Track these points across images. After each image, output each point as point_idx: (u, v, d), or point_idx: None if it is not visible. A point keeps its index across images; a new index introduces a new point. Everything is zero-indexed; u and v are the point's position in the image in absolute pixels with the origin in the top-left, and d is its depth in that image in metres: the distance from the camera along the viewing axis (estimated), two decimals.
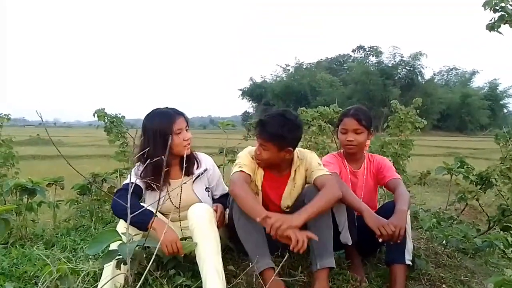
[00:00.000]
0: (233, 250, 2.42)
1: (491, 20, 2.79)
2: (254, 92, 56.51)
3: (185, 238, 2.23)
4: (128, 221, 1.71)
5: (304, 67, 56.88)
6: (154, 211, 1.95)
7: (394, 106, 4.32)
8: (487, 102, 48.88)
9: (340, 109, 4.79)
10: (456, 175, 3.18)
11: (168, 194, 2.27)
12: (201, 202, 2.28)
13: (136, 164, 2.26)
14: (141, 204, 2.12)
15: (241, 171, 2.18)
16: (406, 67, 47.16)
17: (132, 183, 2.12)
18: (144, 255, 2.28)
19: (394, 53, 47.42)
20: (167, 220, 2.29)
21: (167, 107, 2.28)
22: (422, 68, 47.23)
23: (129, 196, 1.72)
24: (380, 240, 1.96)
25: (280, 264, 1.93)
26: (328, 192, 2.03)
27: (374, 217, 2.01)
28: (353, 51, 58.61)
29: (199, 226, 2.02)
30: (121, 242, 1.71)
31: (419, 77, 47.54)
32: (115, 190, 3.74)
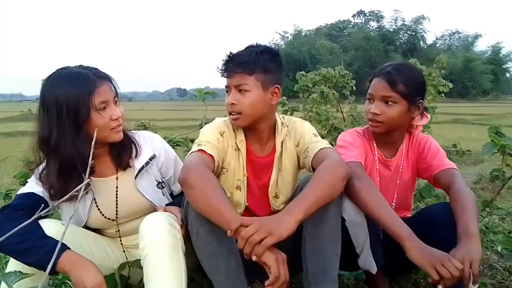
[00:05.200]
0: (199, 283, 1.66)
1: None
2: None
3: (128, 264, 1.50)
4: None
5: (303, 34, 56.00)
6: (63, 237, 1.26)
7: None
8: (490, 67, 48.13)
9: (347, 72, 4.00)
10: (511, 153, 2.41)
11: (95, 202, 1.51)
12: (153, 204, 1.53)
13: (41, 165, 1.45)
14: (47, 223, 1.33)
15: (199, 150, 1.43)
16: (408, 32, 46.38)
17: (28, 193, 1.39)
18: None
19: (396, 17, 46.66)
20: (97, 238, 1.56)
21: (81, 66, 1.42)
22: (424, 32, 46.54)
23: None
24: (440, 287, 1.20)
25: None
26: (329, 170, 1.32)
27: (423, 249, 1.24)
28: (353, 16, 57.45)
29: (154, 255, 1.27)
30: None
31: (421, 42, 46.66)
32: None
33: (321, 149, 1.44)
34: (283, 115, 1.66)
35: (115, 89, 1.44)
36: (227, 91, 1.51)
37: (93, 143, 0.97)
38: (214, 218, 1.23)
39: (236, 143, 1.56)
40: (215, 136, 1.51)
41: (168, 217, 1.34)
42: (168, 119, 15.56)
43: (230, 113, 1.49)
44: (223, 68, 1.49)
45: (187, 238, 1.35)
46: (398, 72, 1.52)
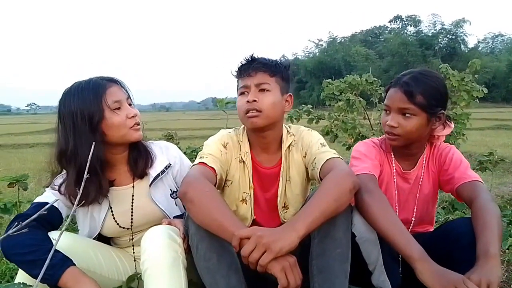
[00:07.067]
0: None
1: None
2: None
3: (137, 276, 1.48)
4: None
5: (338, 41, 55.81)
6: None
7: (444, 72, 3.37)
8: None
9: (375, 79, 3.88)
10: None
11: (111, 211, 1.52)
12: (165, 214, 1.54)
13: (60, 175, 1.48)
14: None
15: (200, 163, 1.41)
16: (448, 36, 45.15)
17: (43, 203, 1.40)
18: None
19: (434, 21, 45.61)
20: (107, 249, 1.55)
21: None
22: (465, 36, 45.19)
23: None
24: None
25: None
26: (335, 182, 1.25)
27: (435, 272, 1.15)
28: (390, 21, 56.66)
29: (154, 270, 1.24)
30: None
31: (462, 46, 45.26)
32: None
33: (328, 159, 1.37)
34: (290, 125, 1.62)
35: (126, 91, 1.47)
36: (242, 93, 1.46)
37: (89, 157, 0.95)
38: (218, 232, 1.19)
39: (240, 155, 1.53)
40: (217, 148, 1.48)
41: (169, 230, 1.31)
42: (203, 128, 15.84)
43: (247, 111, 1.42)
44: (245, 67, 1.46)
45: (189, 252, 1.32)
46: (417, 82, 1.41)
